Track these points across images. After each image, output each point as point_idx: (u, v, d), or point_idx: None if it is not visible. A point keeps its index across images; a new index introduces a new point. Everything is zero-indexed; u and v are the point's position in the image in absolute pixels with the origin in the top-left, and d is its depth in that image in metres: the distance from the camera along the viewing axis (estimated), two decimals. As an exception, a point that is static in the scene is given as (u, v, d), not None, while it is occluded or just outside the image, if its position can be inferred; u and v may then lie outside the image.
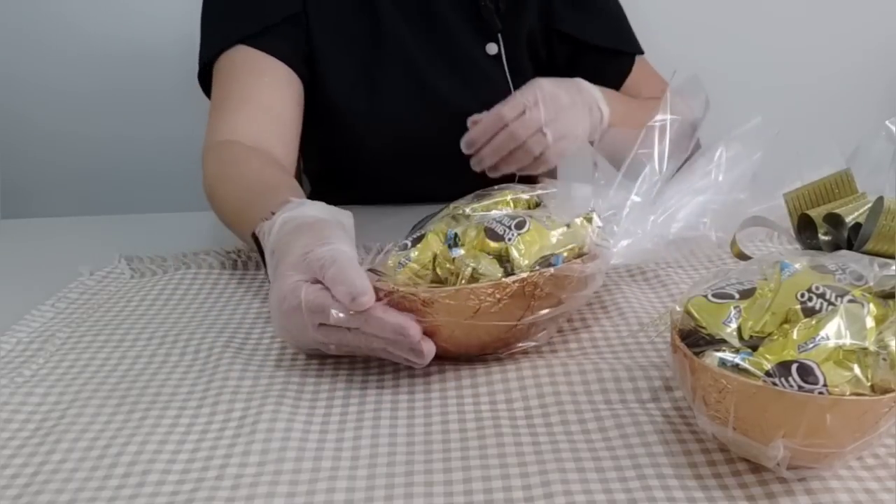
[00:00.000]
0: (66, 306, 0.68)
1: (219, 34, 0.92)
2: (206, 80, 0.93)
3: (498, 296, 0.51)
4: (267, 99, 0.88)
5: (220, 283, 0.73)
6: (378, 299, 0.51)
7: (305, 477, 0.44)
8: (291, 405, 0.51)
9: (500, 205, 0.60)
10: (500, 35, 0.96)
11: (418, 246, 0.56)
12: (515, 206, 0.60)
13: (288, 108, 0.90)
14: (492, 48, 0.96)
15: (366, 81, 0.94)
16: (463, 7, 0.95)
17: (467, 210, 0.59)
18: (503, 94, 0.87)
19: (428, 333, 0.53)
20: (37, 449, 0.47)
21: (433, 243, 0.56)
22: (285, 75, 0.90)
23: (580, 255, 0.56)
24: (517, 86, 0.94)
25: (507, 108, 0.81)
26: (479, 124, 0.83)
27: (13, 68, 1.45)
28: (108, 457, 0.46)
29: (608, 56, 1.02)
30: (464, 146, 0.84)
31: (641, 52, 1.05)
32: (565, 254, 0.54)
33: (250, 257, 0.77)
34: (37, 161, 1.51)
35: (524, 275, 0.52)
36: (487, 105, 0.85)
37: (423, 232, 0.57)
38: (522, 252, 0.53)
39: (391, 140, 0.95)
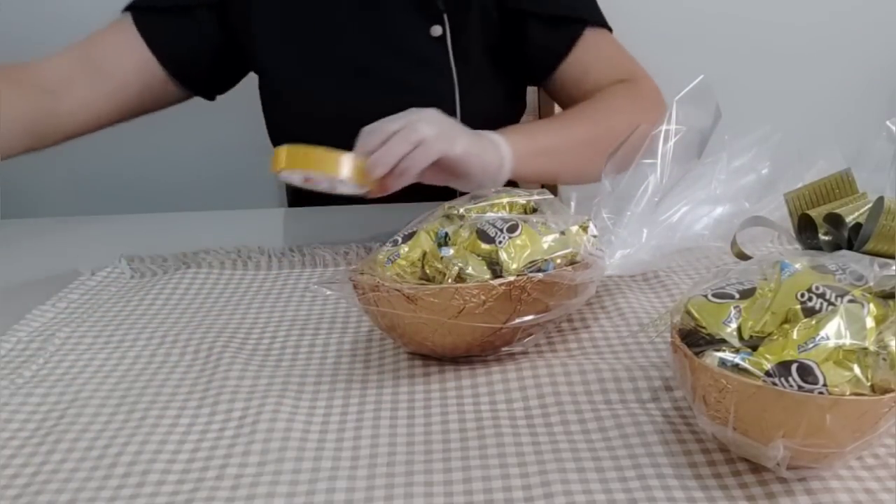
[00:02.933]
0: (66, 306, 0.68)
1: None
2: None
3: (483, 297, 0.51)
4: (102, 55, 0.95)
5: (220, 283, 0.73)
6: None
7: (305, 477, 0.44)
8: (291, 405, 0.51)
9: (496, 207, 0.60)
10: (445, 17, 0.94)
11: (409, 243, 0.56)
12: (511, 210, 0.60)
13: (123, 71, 0.96)
14: (436, 30, 0.94)
15: (307, 65, 0.95)
16: None
17: (461, 210, 0.59)
18: (446, 76, 0.87)
19: (411, 331, 0.53)
20: (37, 449, 0.48)
21: (424, 241, 0.56)
22: (141, 57, 0.96)
23: (573, 263, 0.55)
24: (461, 69, 0.94)
25: (391, 124, 0.74)
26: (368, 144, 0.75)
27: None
28: (108, 457, 0.46)
29: (552, 24, 0.97)
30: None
31: (599, 24, 0.99)
32: (558, 260, 0.54)
33: (250, 257, 0.77)
34: (37, 161, 1.50)
35: (511, 278, 0.52)
36: (429, 87, 0.86)
37: (415, 229, 0.57)
38: (512, 256, 0.53)
39: (339, 125, 0.84)
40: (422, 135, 0.73)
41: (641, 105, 0.93)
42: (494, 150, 0.79)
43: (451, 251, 0.54)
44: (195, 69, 1.00)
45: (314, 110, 0.96)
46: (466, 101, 0.95)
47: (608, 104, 0.93)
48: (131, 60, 0.96)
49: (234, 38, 0.98)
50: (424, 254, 0.55)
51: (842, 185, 0.55)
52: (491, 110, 0.99)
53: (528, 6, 0.97)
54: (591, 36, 0.99)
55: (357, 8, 0.94)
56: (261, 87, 1.01)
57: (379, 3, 0.94)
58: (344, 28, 0.94)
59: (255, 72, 1.01)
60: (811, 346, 0.39)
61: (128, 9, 0.97)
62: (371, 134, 0.74)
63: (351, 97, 0.88)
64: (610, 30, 1.02)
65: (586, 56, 0.99)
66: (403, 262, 0.55)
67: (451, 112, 0.80)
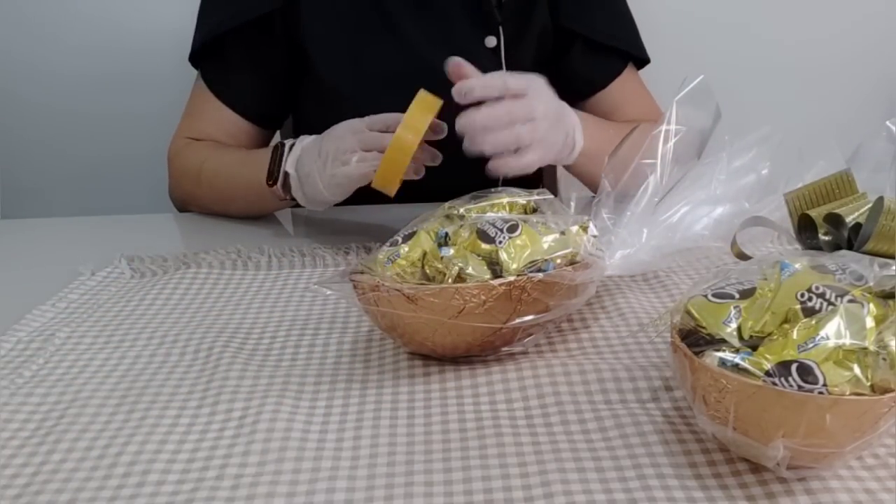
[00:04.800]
0: (66, 306, 0.68)
1: (205, 26, 0.96)
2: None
3: (483, 297, 0.51)
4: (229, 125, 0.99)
5: (220, 283, 0.73)
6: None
7: (305, 477, 0.44)
8: (291, 405, 0.51)
9: (496, 207, 0.59)
10: (500, 29, 0.95)
11: (409, 243, 0.56)
12: (511, 210, 0.60)
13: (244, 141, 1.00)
14: (490, 41, 0.95)
15: (360, 65, 0.94)
16: None
17: (462, 210, 0.59)
18: None
19: (411, 331, 0.53)
20: (37, 449, 0.48)
21: (424, 241, 0.56)
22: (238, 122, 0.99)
23: (573, 263, 0.55)
24: None
25: (512, 80, 0.75)
26: (481, 79, 0.75)
27: (14, 69, 1.45)
28: (108, 457, 0.46)
29: (597, 53, 1.00)
30: (456, 92, 0.75)
31: (640, 59, 1.03)
32: (558, 261, 0.54)
33: (250, 257, 0.77)
34: (37, 161, 1.51)
35: (511, 278, 0.52)
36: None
37: (415, 229, 0.57)
38: (512, 256, 0.53)
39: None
40: (535, 137, 0.73)
41: None
42: (568, 152, 0.81)
43: (451, 251, 0.54)
44: (274, 110, 1.02)
45: (369, 110, 0.96)
46: None
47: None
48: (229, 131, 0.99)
49: (287, 54, 0.96)
50: (424, 254, 0.55)
51: (842, 185, 0.55)
52: None
53: (579, 28, 0.98)
54: (629, 72, 1.02)
55: (416, 12, 0.94)
56: (307, 92, 0.99)
57: (437, 8, 0.94)
58: (400, 29, 0.94)
59: (304, 80, 1.00)
60: (811, 345, 0.39)
61: (199, 62, 0.98)
62: (486, 89, 0.73)
63: (406, 95, 0.86)
64: (648, 60, 1.04)
65: (621, 92, 1.01)
66: (403, 262, 0.55)
67: None
